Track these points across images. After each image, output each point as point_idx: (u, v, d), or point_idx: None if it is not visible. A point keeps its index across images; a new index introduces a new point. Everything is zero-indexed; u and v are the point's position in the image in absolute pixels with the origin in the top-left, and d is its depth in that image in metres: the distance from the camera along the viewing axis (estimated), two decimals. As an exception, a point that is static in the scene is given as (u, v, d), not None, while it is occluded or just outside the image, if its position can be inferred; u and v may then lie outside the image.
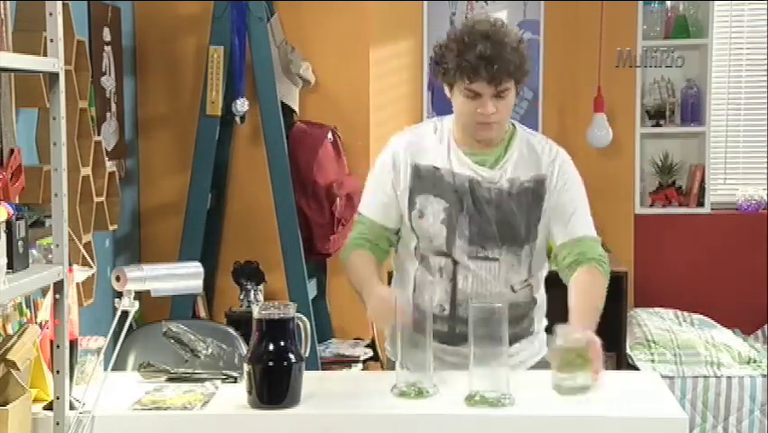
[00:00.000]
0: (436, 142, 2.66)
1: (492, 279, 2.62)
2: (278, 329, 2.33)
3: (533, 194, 2.61)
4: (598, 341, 2.35)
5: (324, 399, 2.35)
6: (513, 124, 2.69)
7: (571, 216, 2.62)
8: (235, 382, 2.50)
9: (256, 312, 2.35)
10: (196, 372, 2.54)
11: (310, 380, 2.38)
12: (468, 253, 2.60)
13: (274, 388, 2.30)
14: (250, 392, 2.31)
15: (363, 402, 2.35)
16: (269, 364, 2.29)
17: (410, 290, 2.68)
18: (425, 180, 2.63)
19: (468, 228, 2.60)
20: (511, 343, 2.52)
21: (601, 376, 2.32)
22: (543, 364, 2.68)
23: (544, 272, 2.77)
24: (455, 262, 2.61)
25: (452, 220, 2.60)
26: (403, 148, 2.67)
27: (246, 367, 2.32)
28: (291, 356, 2.30)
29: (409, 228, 2.66)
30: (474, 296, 2.56)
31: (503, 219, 2.60)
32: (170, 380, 2.52)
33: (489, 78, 2.48)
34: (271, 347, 2.31)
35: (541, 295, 2.76)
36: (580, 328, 2.38)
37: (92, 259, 3.43)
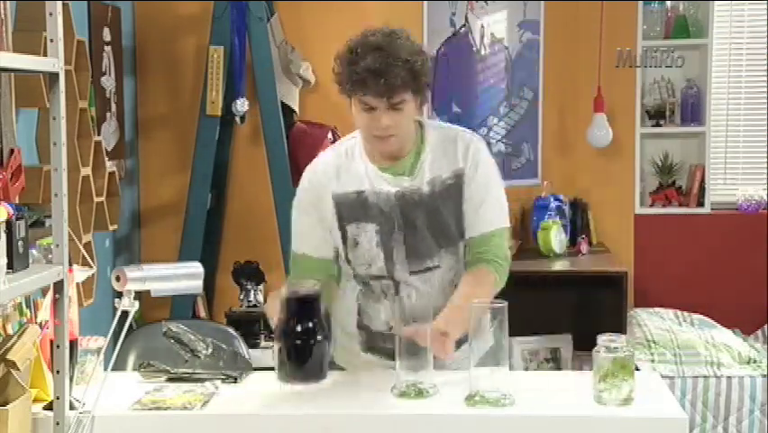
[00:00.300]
0: (350, 165, 2.58)
1: (432, 290, 2.56)
2: (305, 307, 2.33)
3: (455, 188, 2.55)
4: (436, 327, 2.34)
5: (324, 399, 2.35)
6: (420, 124, 2.60)
7: (479, 207, 2.55)
8: (235, 382, 2.50)
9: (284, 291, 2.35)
10: (196, 372, 2.54)
11: (310, 380, 2.38)
12: (408, 270, 2.56)
13: (304, 364, 2.31)
14: (281, 369, 2.31)
15: (363, 402, 2.35)
16: (296, 342, 2.30)
17: (354, 314, 2.65)
18: (350, 208, 2.57)
19: (404, 245, 2.55)
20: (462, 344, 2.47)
21: (444, 356, 2.34)
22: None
23: None
24: (396, 282, 2.57)
25: (387, 241, 2.55)
26: (318, 180, 2.61)
27: (277, 344, 2.32)
28: (318, 335, 2.31)
29: (344, 259, 2.62)
30: (418, 311, 2.41)
31: (434, 223, 2.55)
32: (170, 380, 2.52)
33: (379, 92, 2.41)
34: (299, 326, 2.31)
35: None
36: (441, 321, 2.38)
37: (92, 259, 3.43)
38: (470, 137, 2.60)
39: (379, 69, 2.39)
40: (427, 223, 2.55)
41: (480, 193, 2.55)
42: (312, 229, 2.64)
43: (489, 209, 2.56)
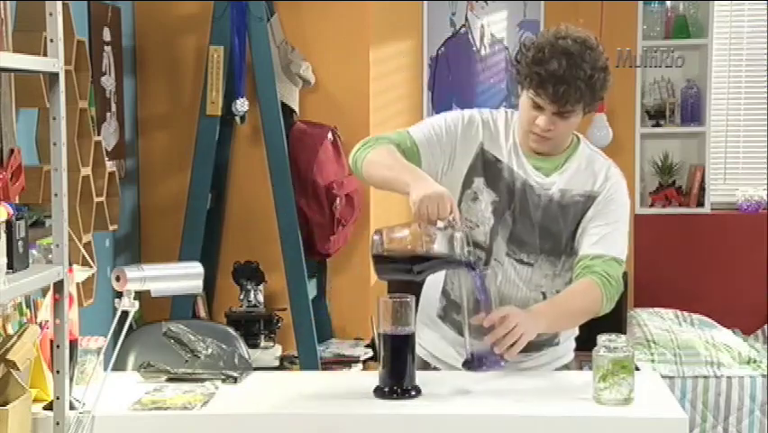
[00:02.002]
0: (504, 135, 2.60)
1: (521, 282, 2.58)
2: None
3: (581, 208, 2.56)
4: (512, 314, 2.33)
5: (324, 399, 2.35)
6: (578, 138, 2.65)
7: (604, 230, 2.54)
8: (235, 382, 2.50)
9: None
10: (196, 372, 2.53)
11: (310, 380, 2.38)
12: (505, 251, 2.57)
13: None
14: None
15: (363, 402, 2.35)
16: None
17: (441, 281, 2.65)
18: (485, 167, 2.57)
19: (511, 227, 2.56)
20: (535, 351, 2.54)
21: (505, 350, 2.31)
22: (564, 369, 2.70)
23: None
24: (489, 256, 2.57)
25: (499, 215, 2.56)
26: (480, 124, 2.60)
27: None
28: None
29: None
30: (499, 296, 2.46)
31: (546, 227, 2.56)
32: (170, 380, 2.52)
33: (553, 98, 2.44)
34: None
35: None
36: (527, 311, 2.39)
37: (92, 259, 3.43)
38: (616, 171, 2.62)
39: (562, 78, 2.41)
40: (540, 223, 2.56)
41: (609, 219, 2.55)
42: (437, 132, 2.57)
43: (613, 236, 2.55)
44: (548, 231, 2.57)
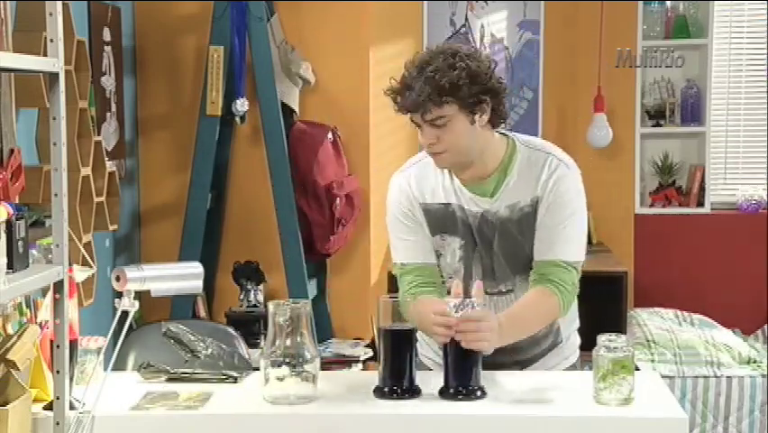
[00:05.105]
0: (439, 176, 2.55)
1: (503, 307, 2.53)
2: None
3: (533, 215, 2.49)
4: (488, 323, 2.30)
5: (324, 399, 2.35)
6: (515, 142, 2.55)
7: (553, 238, 2.47)
8: (235, 382, 2.50)
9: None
10: (196, 372, 2.53)
11: (310, 380, 2.38)
12: (485, 290, 2.47)
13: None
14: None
15: (363, 402, 2.35)
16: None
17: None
18: (436, 219, 2.54)
19: (481, 265, 2.53)
20: (539, 358, 2.55)
21: (472, 344, 2.29)
22: (572, 369, 2.68)
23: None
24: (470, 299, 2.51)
25: (468, 257, 2.53)
26: (409, 186, 2.56)
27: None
28: None
29: None
30: None
31: (510, 250, 2.51)
32: (170, 380, 2.52)
33: (409, 106, 2.41)
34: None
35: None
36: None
37: (92, 259, 3.43)
38: (558, 164, 2.50)
39: (409, 85, 2.40)
40: (502, 247, 2.51)
41: (556, 220, 2.47)
42: (414, 237, 2.56)
43: (562, 237, 2.48)
44: (512, 253, 2.52)
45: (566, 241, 2.48)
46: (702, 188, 5.04)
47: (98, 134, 3.94)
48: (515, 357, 2.56)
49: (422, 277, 2.56)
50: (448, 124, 2.41)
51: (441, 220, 2.54)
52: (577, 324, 2.72)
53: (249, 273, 4.49)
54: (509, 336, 2.42)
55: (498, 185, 2.51)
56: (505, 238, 2.51)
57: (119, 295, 2.34)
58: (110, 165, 3.96)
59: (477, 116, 2.42)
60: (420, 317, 2.37)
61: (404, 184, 2.58)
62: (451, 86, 2.37)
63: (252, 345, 4.12)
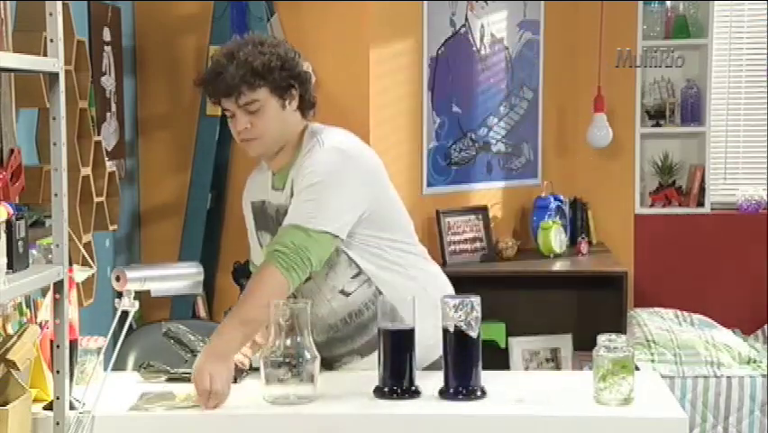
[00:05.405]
0: (263, 173, 2.64)
1: (315, 298, 2.51)
2: None
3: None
4: (198, 374, 2.28)
5: (324, 399, 2.35)
6: (309, 132, 2.53)
7: (290, 209, 2.43)
8: (235, 382, 2.49)
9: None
10: (196, 372, 2.53)
11: (310, 380, 2.37)
12: None
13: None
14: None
15: (363, 402, 2.35)
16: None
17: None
18: (258, 216, 2.64)
19: None
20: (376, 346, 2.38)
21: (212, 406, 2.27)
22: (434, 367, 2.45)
23: (395, 255, 2.55)
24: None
25: None
26: (246, 188, 2.70)
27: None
28: None
29: None
30: (313, 320, 2.39)
31: None
32: (170, 380, 2.52)
33: (224, 92, 2.44)
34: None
35: (396, 283, 2.51)
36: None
37: (92, 259, 3.43)
38: (314, 145, 2.48)
39: (218, 72, 2.44)
40: None
41: (297, 191, 2.44)
42: (253, 238, 2.73)
43: (296, 207, 2.42)
44: None
45: (299, 207, 2.42)
46: (702, 189, 5.04)
47: (98, 134, 3.94)
48: (350, 346, 2.57)
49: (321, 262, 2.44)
50: (261, 109, 2.45)
51: (259, 217, 2.64)
52: (433, 321, 2.37)
53: (249, 273, 4.45)
54: (237, 334, 2.38)
55: (286, 176, 2.54)
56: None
57: (119, 295, 2.34)
58: (110, 165, 3.96)
59: (287, 102, 2.48)
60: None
61: (249, 182, 2.73)
62: (264, 67, 2.43)
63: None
